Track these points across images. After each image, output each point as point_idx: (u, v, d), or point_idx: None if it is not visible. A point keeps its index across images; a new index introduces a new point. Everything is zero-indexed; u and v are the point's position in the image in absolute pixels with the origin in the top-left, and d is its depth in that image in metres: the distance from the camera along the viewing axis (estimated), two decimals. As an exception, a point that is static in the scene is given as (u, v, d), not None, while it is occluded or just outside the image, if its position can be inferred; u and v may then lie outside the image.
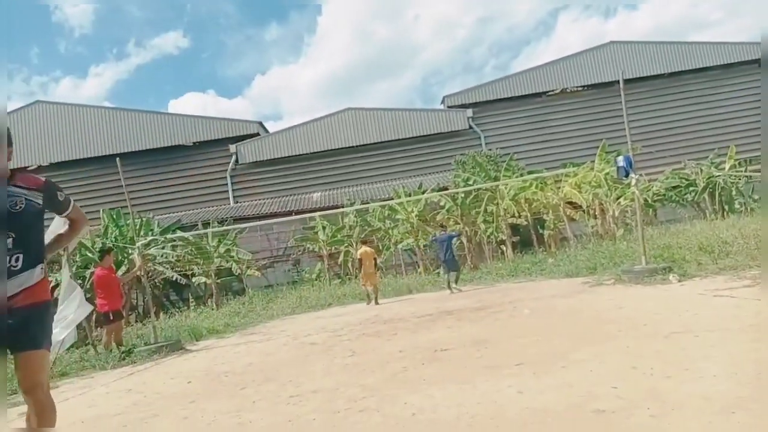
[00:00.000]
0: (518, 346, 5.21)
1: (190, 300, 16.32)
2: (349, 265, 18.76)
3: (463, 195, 18.13)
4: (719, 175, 18.52)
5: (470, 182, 18.84)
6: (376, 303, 12.32)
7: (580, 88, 24.43)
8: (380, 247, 19.10)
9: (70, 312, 8.53)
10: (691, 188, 19.10)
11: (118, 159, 10.34)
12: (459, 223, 18.47)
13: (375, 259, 13.07)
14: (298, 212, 20.27)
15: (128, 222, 16.01)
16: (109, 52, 79.00)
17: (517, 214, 18.38)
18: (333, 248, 18.96)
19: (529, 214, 18.48)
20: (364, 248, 13.21)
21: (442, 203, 18.84)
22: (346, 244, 18.82)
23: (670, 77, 24.52)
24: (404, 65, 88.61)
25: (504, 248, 18.57)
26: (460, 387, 4.01)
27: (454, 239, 14.16)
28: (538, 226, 18.90)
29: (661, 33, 72.30)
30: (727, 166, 18.81)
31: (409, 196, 18.41)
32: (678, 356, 3.93)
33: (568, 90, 24.45)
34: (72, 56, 78.79)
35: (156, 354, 8.30)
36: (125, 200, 10.51)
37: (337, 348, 6.80)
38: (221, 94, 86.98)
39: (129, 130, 23.90)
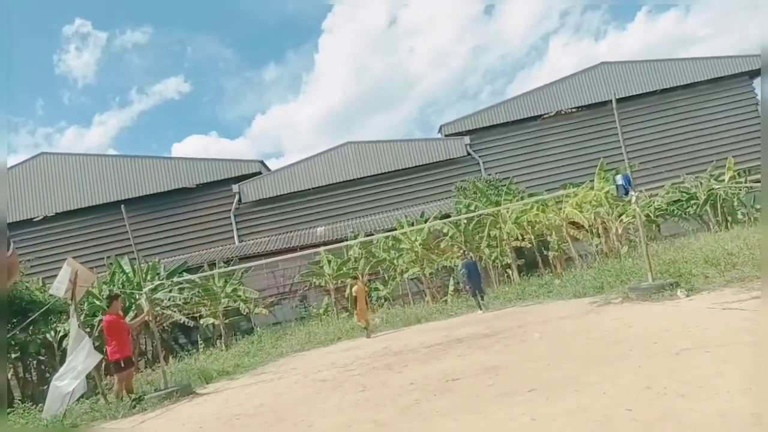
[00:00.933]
0: (530, 372, 5.17)
1: (199, 342, 16.24)
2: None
3: (465, 221, 18.19)
4: (720, 187, 18.57)
5: (472, 208, 18.91)
6: (369, 336, 12.75)
7: (574, 110, 24.72)
8: (386, 278, 19.07)
9: (79, 362, 8.52)
10: (692, 201, 19.12)
11: (122, 206, 10.48)
12: (463, 249, 18.47)
13: (367, 293, 13.79)
14: (302, 248, 20.31)
15: (135, 267, 16.08)
16: (113, 100, 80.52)
17: (520, 237, 18.38)
18: (339, 281, 18.94)
19: (532, 237, 18.48)
20: (358, 285, 13.71)
21: (445, 230, 18.88)
22: (351, 277, 18.80)
23: (662, 94, 24.83)
24: (401, 97, 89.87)
25: (510, 272, 18.51)
26: (472, 417, 3.98)
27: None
28: (543, 248, 18.87)
29: (651, 51, 73.38)
30: (726, 178, 18.88)
31: (412, 225, 18.47)
32: (691, 374, 3.90)
33: (562, 112, 24.73)
34: (76, 106, 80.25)
35: (166, 400, 8.23)
36: (131, 246, 10.58)
37: (348, 383, 6.75)
38: (223, 135, 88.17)
39: (132, 176, 24.18)
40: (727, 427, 2.77)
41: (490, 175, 23.10)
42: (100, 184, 24.11)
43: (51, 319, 13.89)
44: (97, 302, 14.65)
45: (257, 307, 18.50)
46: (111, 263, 18.10)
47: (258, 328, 17.38)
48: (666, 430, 2.91)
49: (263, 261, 18.13)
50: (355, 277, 15.01)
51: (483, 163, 24.04)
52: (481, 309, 13.28)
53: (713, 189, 18.60)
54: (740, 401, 3.11)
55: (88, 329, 11.83)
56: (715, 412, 3.02)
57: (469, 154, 24.13)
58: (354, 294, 13.63)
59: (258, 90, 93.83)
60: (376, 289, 18.95)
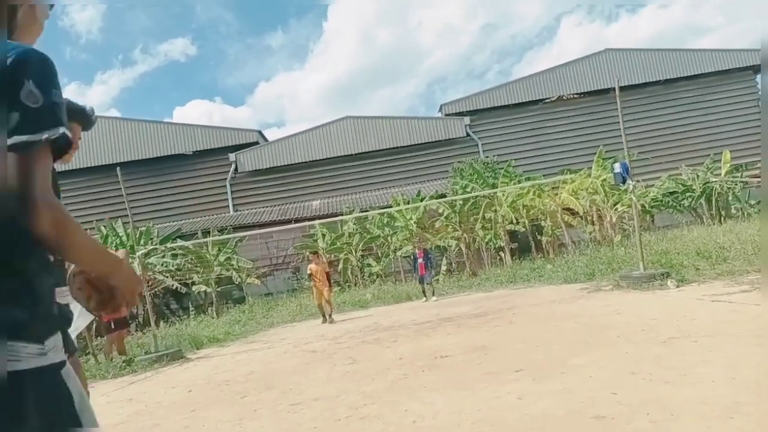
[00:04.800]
0: (518, 353, 5.24)
1: (191, 309, 16.32)
2: (349, 272, 18.81)
3: (461, 202, 18.19)
4: (715, 181, 18.63)
5: (468, 189, 18.91)
6: (330, 321, 11.45)
7: (576, 96, 24.56)
8: (380, 255, 19.13)
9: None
10: (687, 194, 19.20)
11: (118, 168, 10.39)
12: (457, 230, 18.52)
13: (327, 273, 12.15)
14: (297, 220, 20.29)
15: (128, 231, 16.05)
16: (115, 58, 79.35)
17: (515, 221, 18.44)
18: (333, 255, 18.99)
19: (527, 221, 18.54)
20: (315, 262, 12.22)
21: (440, 210, 18.91)
22: (345, 252, 18.86)
23: (666, 84, 24.68)
24: (408, 72, 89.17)
25: (502, 255, 18.62)
26: (460, 394, 4.03)
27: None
28: (536, 233, 18.95)
29: (661, 38, 72.95)
30: (722, 172, 18.93)
31: (408, 203, 18.47)
32: (677, 361, 3.96)
33: (564, 97, 24.57)
34: (77, 63, 79.07)
35: (157, 363, 8.30)
36: (125, 209, 10.54)
37: (338, 355, 6.82)
38: (227, 101, 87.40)
39: (129, 140, 23.95)
40: (710, 414, 2.82)
41: (488, 157, 23.03)
42: (96, 146, 23.85)
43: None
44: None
45: (250, 277, 18.57)
46: (105, 226, 18.06)
47: (250, 298, 17.48)
48: (650, 414, 2.97)
49: (257, 231, 18.15)
50: (315, 253, 13.12)
51: (482, 144, 23.94)
52: (425, 297, 13.23)
53: (709, 182, 18.67)
54: (723, 390, 3.17)
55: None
56: (698, 399, 3.08)
57: (468, 134, 24.01)
58: (309, 272, 12.19)
59: (264, 56, 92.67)
60: (369, 265, 19.03)
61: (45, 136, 1.06)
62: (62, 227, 1.07)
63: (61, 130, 1.09)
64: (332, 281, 13.08)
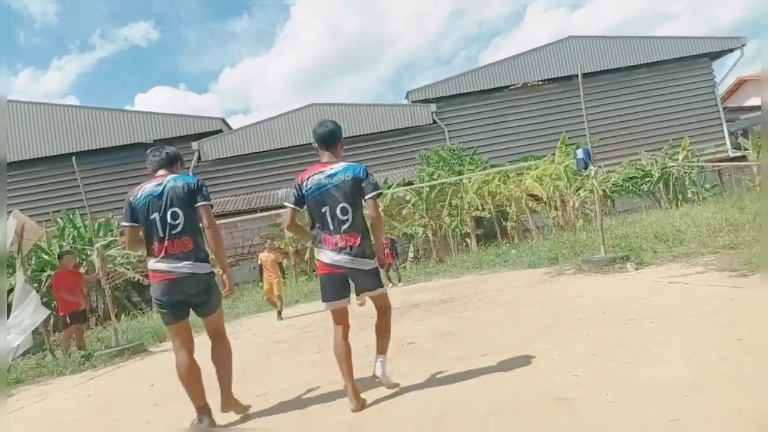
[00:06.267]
0: (483, 338, 5.29)
1: (153, 300, 15.93)
2: (315, 261, 18.68)
3: (428, 189, 18.27)
4: (673, 166, 19.19)
5: (435, 176, 18.98)
6: (280, 317, 10.48)
7: (540, 83, 24.85)
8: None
9: (25, 317, 8.24)
10: (646, 179, 19.72)
11: (73, 158, 10.01)
12: (424, 217, 18.59)
13: (279, 264, 11.32)
14: (263, 209, 20.04)
15: (86, 223, 15.55)
16: (72, 43, 76.32)
17: (480, 207, 18.63)
18: (299, 245, 18.85)
19: (492, 207, 18.75)
20: (266, 251, 11.26)
21: (407, 198, 18.94)
22: (265, 238, 18.70)
23: (627, 71, 25.17)
24: (375, 58, 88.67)
25: (468, 241, 18.80)
26: (426, 379, 4.05)
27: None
28: (502, 219, 19.20)
29: (626, 24, 74.39)
30: (680, 157, 19.50)
31: (375, 191, 18.38)
32: (636, 343, 4.06)
33: (528, 84, 24.83)
34: (32, 47, 75.68)
35: (117, 357, 8.09)
36: (83, 200, 10.18)
37: (305, 345, 6.77)
38: (192, 88, 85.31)
39: (86, 129, 23.09)
40: (667, 393, 2.90)
41: (454, 144, 23.13)
42: (51, 135, 22.96)
43: (-5, 272, 13.35)
44: (46, 257, 14.16)
45: (214, 267, 18.22)
46: (61, 217, 17.45)
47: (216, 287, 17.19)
48: (610, 394, 3.03)
49: (222, 221, 17.81)
50: (269, 239, 11.98)
51: (448, 131, 24.01)
52: (391, 282, 13.58)
53: (667, 167, 19.21)
54: (681, 370, 3.26)
55: (35, 284, 11.44)
56: (657, 379, 3.16)
57: (434, 122, 24.04)
58: (258, 262, 11.29)
59: (228, 40, 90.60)
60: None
61: (210, 201, 3.81)
62: (216, 234, 3.85)
63: (210, 200, 3.83)
64: (285, 272, 11.97)
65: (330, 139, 3.86)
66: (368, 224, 3.82)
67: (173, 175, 3.75)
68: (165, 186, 3.67)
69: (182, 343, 3.78)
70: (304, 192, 3.76)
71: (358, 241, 3.65)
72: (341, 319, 3.93)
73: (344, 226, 3.64)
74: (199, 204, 3.68)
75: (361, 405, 3.59)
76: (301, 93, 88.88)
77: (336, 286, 3.77)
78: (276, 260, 11.21)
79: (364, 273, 3.72)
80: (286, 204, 3.87)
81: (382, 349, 4.00)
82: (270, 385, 4.76)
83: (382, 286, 3.88)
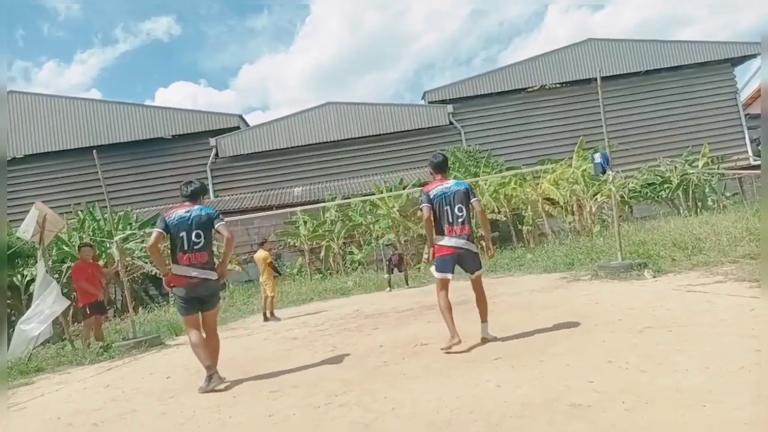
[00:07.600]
0: (497, 341, 5.28)
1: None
2: (331, 260, 18.77)
3: (443, 190, 18.18)
4: (693, 173, 18.94)
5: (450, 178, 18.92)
6: (268, 317, 10.60)
7: (558, 85, 24.68)
8: (362, 243, 19.11)
9: (46, 307, 8.41)
10: (665, 185, 19.49)
11: (95, 151, 10.17)
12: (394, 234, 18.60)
13: (270, 263, 11.22)
14: (279, 207, 20.19)
15: (106, 216, 15.79)
16: (95, 36, 77.31)
17: (496, 210, 18.55)
18: (314, 243, 18.94)
19: (507, 210, 18.67)
20: (260, 251, 11.30)
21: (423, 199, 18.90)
22: (327, 239, 18.80)
23: (646, 75, 24.91)
24: (394, 57, 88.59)
25: (483, 244, 18.70)
26: (439, 381, 4.06)
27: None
28: (517, 222, 19.10)
29: (646, 27, 73.47)
30: (700, 164, 19.24)
31: (391, 191, 18.45)
32: (652, 350, 4.03)
33: (547, 86, 24.68)
34: (55, 40, 76.81)
35: (135, 349, 8.21)
36: (103, 193, 10.35)
37: (318, 342, 6.81)
38: (212, 84, 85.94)
39: (107, 123, 23.49)
40: (683, 402, 2.88)
41: (470, 145, 23.08)
42: (73, 128, 23.39)
43: (18, 262, 13.62)
44: (66, 248, 14.40)
45: (230, 263, 18.42)
46: (81, 210, 17.74)
47: (230, 284, 17.35)
48: (626, 402, 3.02)
49: (238, 217, 18.00)
50: (263, 243, 11.77)
51: (464, 133, 23.97)
52: (390, 287, 13.56)
53: (687, 174, 18.97)
54: (697, 378, 3.23)
55: (56, 275, 11.66)
56: (673, 387, 3.14)
57: (451, 122, 24.02)
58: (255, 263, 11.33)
59: (246, 38, 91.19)
60: (351, 253, 19.02)
61: (224, 221, 5.07)
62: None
63: (224, 220, 5.12)
64: (277, 273, 11.76)
65: (444, 165, 5.57)
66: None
67: (198, 206, 5.05)
68: (192, 213, 4.96)
69: (194, 326, 5.09)
70: (431, 197, 5.23)
71: (468, 230, 5.18)
72: (445, 286, 5.23)
73: (460, 220, 5.14)
74: (218, 224, 4.99)
75: (459, 340, 5.00)
76: (320, 91, 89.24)
77: (450, 264, 5.14)
78: (266, 259, 11.09)
79: (473, 254, 5.24)
80: (423, 206, 5.30)
81: (484, 316, 5.37)
82: (283, 381, 4.80)
83: (481, 267, 5.37)
